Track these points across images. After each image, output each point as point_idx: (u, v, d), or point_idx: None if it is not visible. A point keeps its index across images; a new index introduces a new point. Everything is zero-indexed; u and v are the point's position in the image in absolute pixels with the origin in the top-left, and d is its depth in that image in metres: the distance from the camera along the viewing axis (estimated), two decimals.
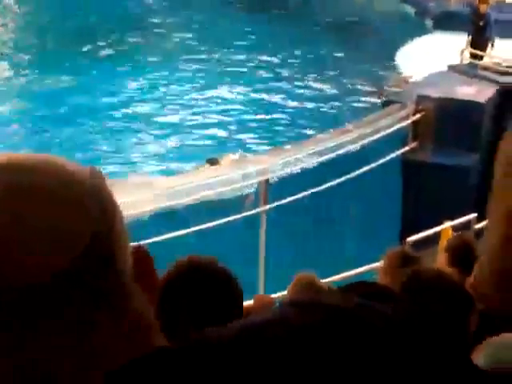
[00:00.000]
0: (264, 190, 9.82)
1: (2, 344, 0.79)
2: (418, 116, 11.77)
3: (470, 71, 13.30)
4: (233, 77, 19.16)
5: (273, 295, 6.19)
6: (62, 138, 15.31)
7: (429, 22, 22.86)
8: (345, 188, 10.50)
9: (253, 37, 21.83)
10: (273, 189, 10.01)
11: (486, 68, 13.47)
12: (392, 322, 0.86)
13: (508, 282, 1.27)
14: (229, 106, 17.68)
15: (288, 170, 10.30)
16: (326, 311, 0.85)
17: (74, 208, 0.82)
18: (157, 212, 9.27)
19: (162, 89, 18.47)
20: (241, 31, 22.13)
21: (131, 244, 0.88)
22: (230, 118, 17.09)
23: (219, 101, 17.96)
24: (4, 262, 0.77)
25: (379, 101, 14.55)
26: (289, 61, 20.47)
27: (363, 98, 18.02)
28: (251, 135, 16.20)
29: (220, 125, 16.72)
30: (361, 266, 8.24)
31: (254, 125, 16.78)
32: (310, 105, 17.88)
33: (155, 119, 16.90)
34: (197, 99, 17.97)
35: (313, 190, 10.08)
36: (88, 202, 0.83)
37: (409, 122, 11.73)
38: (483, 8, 14.39)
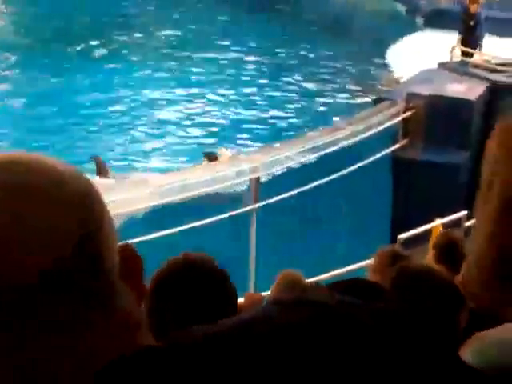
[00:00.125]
0: (255, 188, 9.81)
1: (1, 344, 0.79)
2: (408, 113, 11.78)
3: (460, 69, 13.32)
4: (228, 75, 19.17)
5: (263, 293, 6.18)
6: (55, 137, 15.27)
7: (419, 20, 22.90)
8: (335, 186, 10.50)
9: (247, 36, 21.83)
10: (263, 187, 10.00)
11: (476, 65, 13.49)
12: (381, 318, 0.87)
13: (495, 281, 1.28)
14: (222, 105, 17.69)
15: (279, 168, 10.29)
16: (312, 309, 0.84)
17: (64, 208, 0.82)
18: (150, 210, 9.28)
19: (156, 87, 18.45)
20: (235, 30, 22.12)
21: (119, 243, 0.88)
22: (223, 116, 17.11)
23: (212, 99, 17.95)
24: (2, 262, 0.78)
25: (370, 100, 14.58)
26: (281, 59, 20.47)
27: (353, 96, 18.04)
28: (245, 134, 16.20)
29: (214, 123, 16.74)
30: (351, 263, 8.25)
31: (247, 123, 16.78)
32: (299, 103, 17.89)
33: (150, 117, 16.92)
34: (189, 99, 17.95)
35: (302, 189, 10.07)
36: (77, 202, 0.83)
37: (399, 119, 11.74)
38: (474, 8, 14.41)
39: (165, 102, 17.67)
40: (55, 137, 15.26)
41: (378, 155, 11.27)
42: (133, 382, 0.80)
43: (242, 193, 10.20)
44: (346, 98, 18.04)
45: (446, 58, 13.89)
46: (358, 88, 18.52)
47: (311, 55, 20.63)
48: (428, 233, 8.84)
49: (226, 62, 20.14)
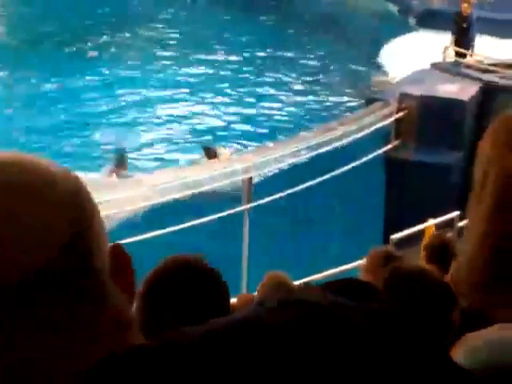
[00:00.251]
0: (247, 188, 9.80)
1: None
2: (400, 114, 11.79)
3: (452, 69, 13.34)
4: (222, 75, 19.20)
5: (255, 294, 6.18)
6: (47, 137, 15.26)
7: (412, 20, 22.93)
8: (328, 186, 10.52)
9: (241, 36, 21.86)
10: (256, 187, 10.00)
11: (468, 66, 13.51)
12: (373, 319, 0.86)
13: (486, 282, 1.28)
14: (216, 105, 17.71)
15: (271, 169, 10.30)
16: (301, 308, 0.84)
17: (56, 207, 0.82)
18: (144, 210, 9.29)
19: (150, 88, 18.46)
20: (229, 30, 22.14)
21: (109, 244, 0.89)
22: (218, 116, 17.14)
23: (207, 99, 17.99)
24: None
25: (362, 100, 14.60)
26: (274, 59, 20.51)
27: (346, 97, 18.07)
28: (240, 134, 16.22)
29: (209, 123, 16.78)
30: (344, 263, 8.26)
31: (241, 123, 16.82)
32: (292, 103, 17.91)
33: (144, 117, 16.95)
34: (183, 99, 17.98)
35: (295, 189, 10.08)
36: (68, 202, 0.83)
37: (392, 119, 11.76)
38: (465, 8, 14.45)
39: (160, 102, 17.68)
40: (47, 137, 15.26)
41: (371, 156, 11.29)
42: (123, 381, 0.80)
43: (237, 192, 10.23)
44: (339, 99, 18.07)
45: (438, 59, 13.91)
46: (351, 88, 18.55)
47: (304, 55, 20.65)
48: (421, 233, 8.85)
49: (219, 61, 20.17)
